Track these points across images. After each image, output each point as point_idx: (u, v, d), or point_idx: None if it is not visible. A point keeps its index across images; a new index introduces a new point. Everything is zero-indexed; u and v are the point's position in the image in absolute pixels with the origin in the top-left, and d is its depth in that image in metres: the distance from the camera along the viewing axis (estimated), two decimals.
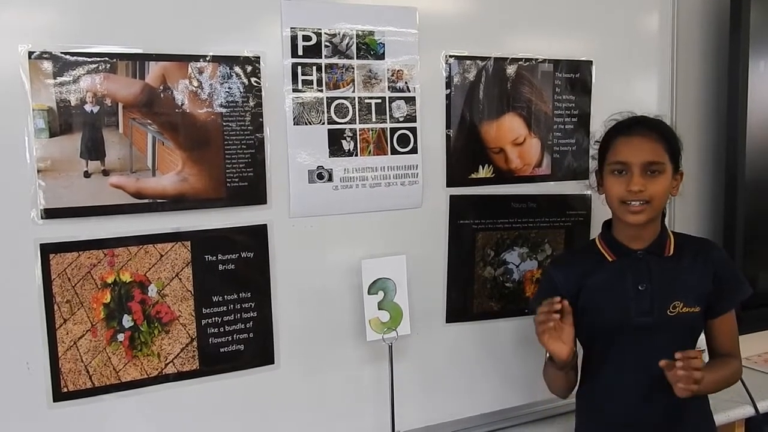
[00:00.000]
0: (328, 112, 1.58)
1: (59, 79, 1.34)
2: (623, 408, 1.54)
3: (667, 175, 1.48)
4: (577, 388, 1.61)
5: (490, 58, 1.75)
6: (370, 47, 1.61)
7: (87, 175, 1.38)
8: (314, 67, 1.56)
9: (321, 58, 1.56)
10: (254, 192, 1.53)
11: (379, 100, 1.63)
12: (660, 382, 1.46)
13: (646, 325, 1.50)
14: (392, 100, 1.64)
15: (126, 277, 1.44)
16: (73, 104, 1.36)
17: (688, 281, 1.53)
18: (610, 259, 1.56)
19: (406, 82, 1.65)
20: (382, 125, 1.64)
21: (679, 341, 1.52)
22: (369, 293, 1.60)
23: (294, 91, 1.55)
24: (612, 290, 1.54)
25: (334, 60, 1.58)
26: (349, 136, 1.61)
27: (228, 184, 1.50)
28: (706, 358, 1.65)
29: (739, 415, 2.04)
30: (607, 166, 1.51)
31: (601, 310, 1.54)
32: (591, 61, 1.88)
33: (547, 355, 1.53)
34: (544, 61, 1.81)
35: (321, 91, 1.57)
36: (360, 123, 1.61)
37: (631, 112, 1.56)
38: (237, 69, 1.49)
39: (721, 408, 2.00)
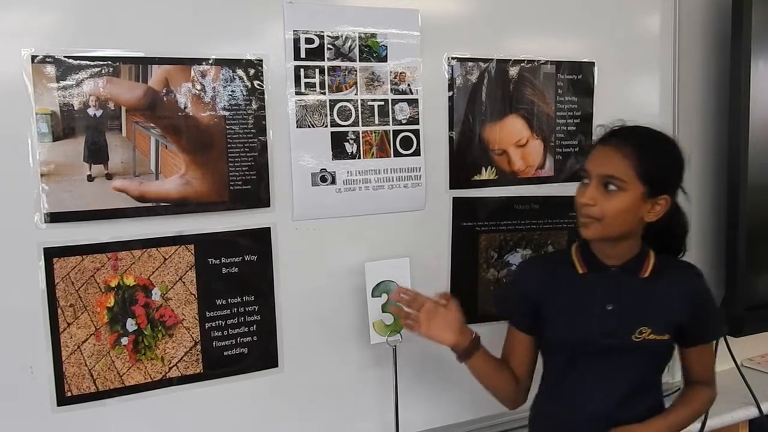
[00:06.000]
0: (331, 114, 1.58)
1: (62, 83, 1.34)
2: (579, 429, 1.45)
3: (628, 194, 1.34)
4: (533, 398, 1.57)
5: (492, 59, 1.75)
6: (372, 50, 1.61)
7: (90, 178, 1.38)
8: (317, 70, 1.56)
9: (324, 60, 1.56)
10: (257, 195, 1.53)
11: (382, 103, 1.63)
12: (620, 405, 1.41)
13: (608, 346, 1.42)
14: (395, 102, 1.64)
15: (129, 281, 1.43)
16: (76, 108, 1.36)
17: (661, 307, 1.43)
18: (580, 271, 1.47)
19: (408, 85, 1.65)
20: (385, 128, 1.64)
21: (643, 367, 1.45)
22: (373, 296, 1.60)
23: (297, 93, 1.54)
24: (578, 304, 1.45)
25: (337, 62, 1.58)
26: (352, 139, 1.60)
27: (231, 188, 1.50)
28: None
29: (743, 416, 2.04)
30: (581, 171, 1.43)
31: (563, 323, 1.46)
32: (593, 63, 1.88)
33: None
34: (546, 62, 1.81)
35: (324, 93, 1.57)
36: (363, 125, 1.61)
37: (634, 121, 1.44)
38: (240, 72, 1.49)
39: (725, 409, 2.01)
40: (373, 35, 1.61)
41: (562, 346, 1.48)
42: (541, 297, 1.49)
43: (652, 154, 1.37)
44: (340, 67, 1.58)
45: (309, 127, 1.56)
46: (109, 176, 1.40)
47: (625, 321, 1.42)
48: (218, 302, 1.52)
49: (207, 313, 1.51)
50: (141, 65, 1.40)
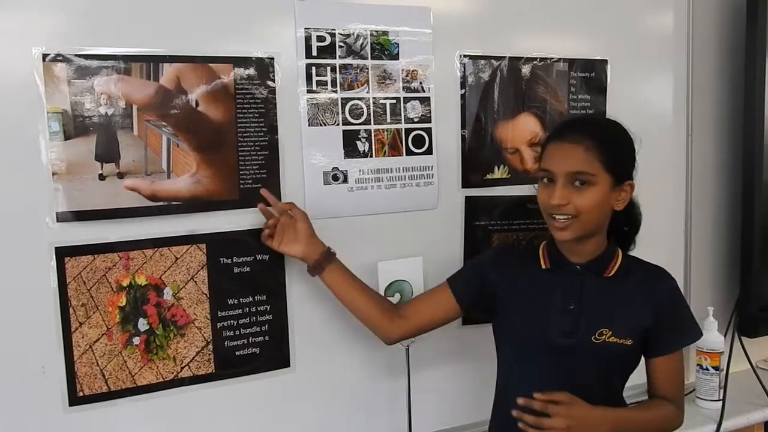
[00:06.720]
0: (343, 113, 1.57)
1: (73, 82, 1.33)
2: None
3: (599, 188, 1.33)
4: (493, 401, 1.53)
5: (504, 57, 1.73)
6: (384, 47, 1.60)
7: (102, 177, 1.37)
8: (328, 68, 1.55)
9: (335, 58, 1.55)
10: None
11: (394, 101, 1.62)
12: None
13: (565, 346, 1.37)
14: (407, 100, 1.63)
15: (141, 281, 1.43)
16: (87, 106, 1.35)
17: (624, 310, 1.39)
18: (543, 266, 1.45)
19: (420, 83, 1.64)
20: (397, 126, 1.63)
21: (603, 372, 1.39)
22: (385, 295, 1.59)
23: (308, 92, 1.53)
24: (537, 301, 1.42)
25: (349, 60, 1.57)
26: (363, 137, 1.59)
27: (242, 186, 1.49)
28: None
29: (759, 418, 2.03)
30: (539, 173, 1.40)
31: (519, 319, 1.43)
32: (606, 60, 1.86)
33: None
34: (558, 60, 1.80)
35: (335, 91, 1.56)
36: (375, 124, 1.60)
37: (586, 113, 1.40)
38: (251, 70, 1.48)
39: (740, 411, 1.99)
40: (385, 33, 1.60)
41: (517, 342, 1.45)
42: (498, 285, 1.47)
43: (611, 142, 1.36)
44: (351, 65, 1.57)
45: (320, 125, 1.55)
46: (120, 175, 1.39)
47: (586, 321, 1.38)
48: (230, 302, 1.51)
49: (219, 312, 1.50)
50: (152, 63, 1.40)
